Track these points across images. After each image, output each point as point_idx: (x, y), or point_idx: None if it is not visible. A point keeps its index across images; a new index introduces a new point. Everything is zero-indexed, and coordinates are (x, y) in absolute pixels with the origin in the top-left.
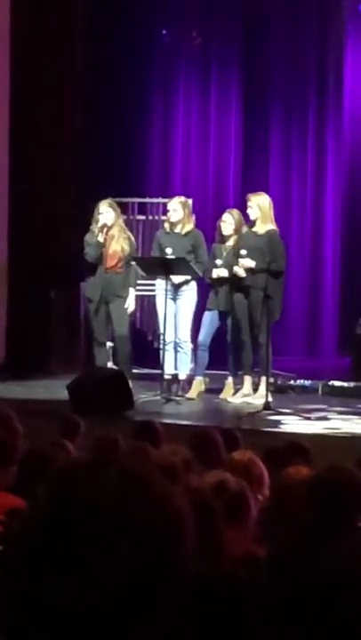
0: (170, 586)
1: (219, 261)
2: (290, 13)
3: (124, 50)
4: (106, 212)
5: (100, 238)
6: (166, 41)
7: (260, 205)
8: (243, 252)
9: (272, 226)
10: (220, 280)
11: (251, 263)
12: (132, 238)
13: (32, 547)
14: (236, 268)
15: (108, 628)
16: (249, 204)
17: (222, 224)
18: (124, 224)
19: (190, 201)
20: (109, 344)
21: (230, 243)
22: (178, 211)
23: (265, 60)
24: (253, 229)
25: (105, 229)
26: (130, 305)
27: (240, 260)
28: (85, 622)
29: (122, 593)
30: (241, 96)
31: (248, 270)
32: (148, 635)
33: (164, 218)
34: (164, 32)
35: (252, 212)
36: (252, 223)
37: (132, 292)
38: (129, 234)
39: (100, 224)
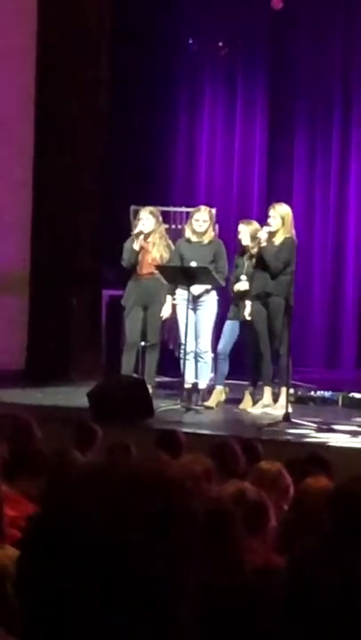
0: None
1: (243, 277)
2: (316, 25)
3: (150, 59)
4: (145, 219)
5: (136, 246)
6: (193, 51)
7: (283, 216)
8: (242, 277)
9: (289, 235)
10: (242, 293)
11: (245, 286)
12: (172, 246)
13: (31, 555)
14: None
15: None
16: (272, 213)
17: (239, 236)
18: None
19: (214, 210)
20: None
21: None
22: (207, 221)
23: (291, 70)
24: (272, 240)
25: (141, 236)
26: (165, 312)
27: (236, 284)
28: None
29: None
30: (266, 106)
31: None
32: None
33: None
34: (191, 42)
35: (275, 223)
36: (271, 234)
37: (169, 299)
38: (169, 242)
39: (136, 231)
